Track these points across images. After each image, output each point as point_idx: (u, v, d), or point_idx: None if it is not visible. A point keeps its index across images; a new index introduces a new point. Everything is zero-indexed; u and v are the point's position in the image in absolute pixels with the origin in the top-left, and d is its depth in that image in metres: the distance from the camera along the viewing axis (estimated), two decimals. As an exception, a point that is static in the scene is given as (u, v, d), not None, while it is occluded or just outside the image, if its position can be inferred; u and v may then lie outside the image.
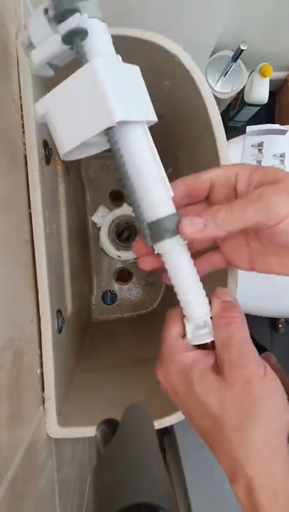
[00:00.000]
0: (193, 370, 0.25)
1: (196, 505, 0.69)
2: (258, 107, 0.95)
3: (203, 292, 0.28)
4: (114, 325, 0.79)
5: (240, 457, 0.23)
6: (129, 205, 0.69)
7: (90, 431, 0.40)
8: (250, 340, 0.25)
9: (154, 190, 0.26)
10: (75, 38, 0.23)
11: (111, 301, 0.81)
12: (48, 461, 0.40)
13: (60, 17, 0.23)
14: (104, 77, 0.23)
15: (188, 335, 0.27)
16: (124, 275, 0.82)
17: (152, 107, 0.26)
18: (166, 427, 0.40)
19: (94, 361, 0.60)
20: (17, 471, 0.31)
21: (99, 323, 0.80)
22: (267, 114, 1.08)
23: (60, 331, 0.46)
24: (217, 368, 0.25)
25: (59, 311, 0.46)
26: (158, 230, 0.26)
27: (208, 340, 0.27)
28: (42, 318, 0.39)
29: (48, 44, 0.24)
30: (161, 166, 0.27)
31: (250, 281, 0.64)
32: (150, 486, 0.21)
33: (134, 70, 0.26)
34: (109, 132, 0.24)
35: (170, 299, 0.79)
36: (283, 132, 0.74)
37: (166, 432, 0.93)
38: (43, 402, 0.40)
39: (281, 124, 0.75)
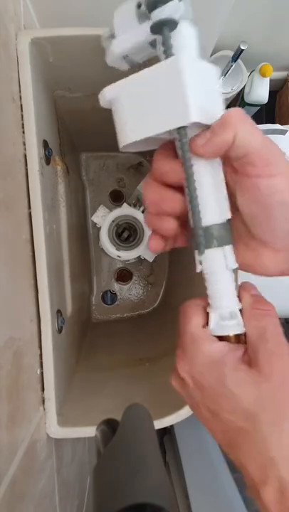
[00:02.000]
0: (224, 362, 0.24)
1: (196, 505, 0.69)
2: (258, 107, 0.95)
3: (234, 284, 0.27)
4: (114, 325, 0.79)
5: (275, 455, 0.21)
6: (129, 205, 0.69)
7: (90, 431, 0.40)
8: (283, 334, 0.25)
9: (216, 197, 0.25)
10: (164, 27, 0.23)
11: (111, 301, 0.81)
12: (48, 461, 0.40)
13: (152, 5, 0.23)
14: (188, 74, 0.22)
15: (212, 325, 0.26)
16: (124, 275, 0.82)
17: (221, 111, 0.24)
18: (166, 427, 0.40)
19: (94, 361, 0.60)
20: (17, 471, 0.31)
21: (99, 323, 0.80)
22: (267, 114, 1.08)
23: (60, 331, 0.46)
24: (247, 362, 0.24)
25: (59, 311, 0.46)
26: (210, 237, 0.25)
27: (238, 332, 0.25)
28: (42, 318, 0.39)
29: (132, 35, 0.24)
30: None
31: (250, 281, 0.64)
32: (150, 486, 0.21)
33: (214, 70, 0.25)
34: (181, 131, 0.23)
35: (170, 298, 0.79)
36: (283, 132, 0.74)
37: (166, 432, 0.93)
38: (43, 402, 0.40)
39: (281, 124, 0.75)
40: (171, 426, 0.88)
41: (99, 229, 0.69)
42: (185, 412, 0.40)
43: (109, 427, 0.26)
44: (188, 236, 0.27)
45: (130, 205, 0.69)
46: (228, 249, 0.25)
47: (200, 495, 0.71)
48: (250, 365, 0.24)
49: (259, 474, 0.21)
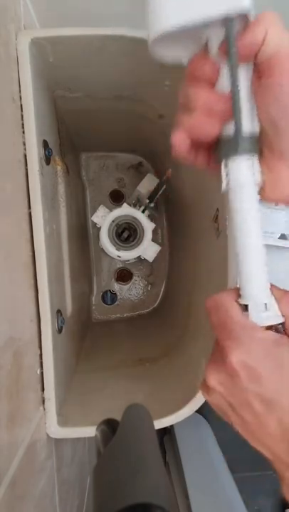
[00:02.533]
0: (282, 346, 0.23)
1: (196, 505, 0.69)
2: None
3: (266, 275, 0.26)
4: (114, 325, 0.79)
5: None
6: (129, 205, 0.69)
7: (90, 431, 0.40)
8: None
9: (250, 106, 0.24)
10: None
11: (111, 301, 0.81)
12: (48, 461, 0.40)
13: None
14: None
15: (253, 317, 0.25)
16: (124, 275, 0.82)
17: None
18: (166, 427, 0.40)
19: (94, 361, 0.60)
20: (17, 471, 0.31)
21: (99, 323, 0.80)
22: None
23: (60, 331, 0.46)
24: None
25: (59, 311, 0.46)
26: (242, 143, 0.24)
27: (279, 322, 0.25)
28: (42, 318, 0.39)
29: None
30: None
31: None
32: (150, 486, 0.21)
33: None
34: (229, 22, 0.21)
35: (170, 299, 0.79)
36: None
37: (166, 432, 0.93)
38: (43, 402, 0.40)
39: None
40: (171, 426, 0.88)
41: (99, 229, 0.69)
42: (185, 412, 0.40)
43: (109, 427, 0.26)
44: (216, 146, 0.26)
45: (130, 205, 0.69)
46: (256, 160, 0.25)
47: (200, 495, 0.71)
48: None
49: None
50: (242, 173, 0.25)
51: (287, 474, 0.22)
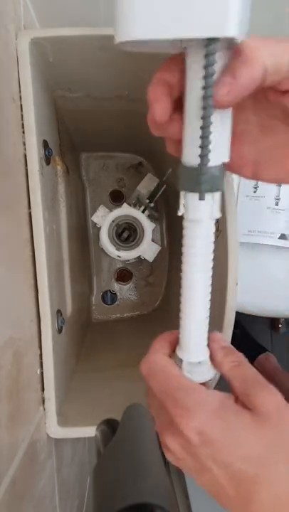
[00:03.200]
0: (226, 408, 0.23)
1: (196, 505, 0.69)
2: None
3: (206, 331, 0.26)
4: (114, 325, 0.79)
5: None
6: (129, 205, 0.69)
7: (90, 431, 0.40)
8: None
9: (222, 136, 0.22)
10: None
11: (111, 301, 0.81)
12: (48, 461, 0.40)
13: None
14: None
15: (186, 372, 0.26)
16: (124, 275, 0.82)
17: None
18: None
19: (94, 361, 0.60)
20: (17, 471, 0.31)
21: (99, 323, 0.80)
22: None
23: (60, 331, 0.46)
24: (240, 405, 0.24)
25: (59, 311, 0.46)
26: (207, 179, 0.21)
27: (210, 377, 0.26)
28: (42, 318, 0.39)
29: None
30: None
31: (250, 281, 0.64)
32: (150, 485, 0.21)
33: None
34: (211, 46, 0.18)
35: (170, 299, 0.79)
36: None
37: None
38: (43, 402, 0.40)
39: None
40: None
41: (99, 229, 0.69)
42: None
43: (109, 427, 0.26)
44: (178, 174, 0.23)
45: (130, 205, 0.69)
46: (217, 196, 0.23)
47: (200, 495, 0.71)
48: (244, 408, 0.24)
49: None
50: (200, 210, 0.23)
51: None
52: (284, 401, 0.23)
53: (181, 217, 0.25)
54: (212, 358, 0.27)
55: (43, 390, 0.40)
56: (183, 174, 0.22)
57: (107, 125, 0.64)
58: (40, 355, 0.40)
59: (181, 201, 0.23)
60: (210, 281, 0.26)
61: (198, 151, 0.21)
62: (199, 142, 0.20)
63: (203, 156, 0.20)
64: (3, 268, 0.31)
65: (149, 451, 0.24)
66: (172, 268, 0.81)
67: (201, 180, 0.21)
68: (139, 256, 0.70)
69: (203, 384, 0.26)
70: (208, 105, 0.19)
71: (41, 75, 0.42)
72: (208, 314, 0.26)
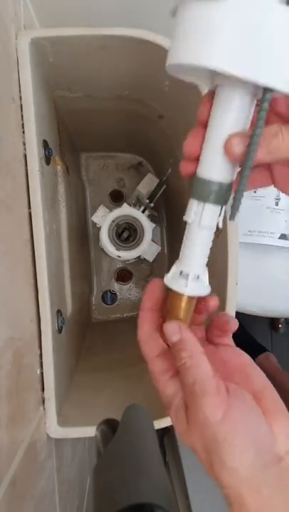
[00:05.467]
0: (173, 404, 0.25)
1: (196, 505, 0.69)
2: (258, 107, 0.96)
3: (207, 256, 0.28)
4: (114, 325, 0.79)
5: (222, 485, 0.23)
6: (129, 205, 0.69)
7: (90, 431, 0.40)
8: (203, 376, 0.24)
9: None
10: None
11: (111, 301, 0.81)
12: (48, 461, 0.40)
13: None
14: None
15: (169, 274, 0.27)
16: (124, 275, 0.82)
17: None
18: (166, 427, 0.40)
19: (94, 361, 0.60)
20: (17, 471, 0.31)
21: (99, 323, 0.80)
22: (267, 114, 1.08)
23: (60, 331, 0.46)
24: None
25: (59, 311, 0.46)
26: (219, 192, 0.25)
27: (206, 294, 0.27)
28: (42, 318, 0.39)
29: None
30: None
31: (250, 281, 0.64)
32: (150, 485, 0.21)
33: None
34: (267, 94, 0.20)
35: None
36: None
37: (166, 432, 0.93)
38: (43, 402, 0.40)
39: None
40: (171, 426, 0.88)
41: (99, 229, 0.69)
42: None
43: (109, 427, 0.26)
44: (199, 184, 0.26)
45: (130, 205, 0.69)
46: (224, 208, 0.26)
47: (200, 495, 0.71)
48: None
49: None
50: (210, 219, 0.26)
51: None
52: (216, 415, 0.23)
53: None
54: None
55: (43, 390, 0.40)
56: (201, 186, 0.25)
57: (107, 125, 0.64)
58: (40, 355, 0.40)
59: (192, 208, 0.26)
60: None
61: (228, 174, 0.24)
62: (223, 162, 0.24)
63: (241, 187, 0.23)
64: (3, 268, 0.31)
65: (149, 451, 0.24)
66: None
67: (236, 205, 0.24)
68: (139, 256, 0.70)
69: (191, 300, 0.27)
70: (253, 153, 0.21)
71: (41, 75, 0.42)
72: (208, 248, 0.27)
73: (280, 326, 1.28)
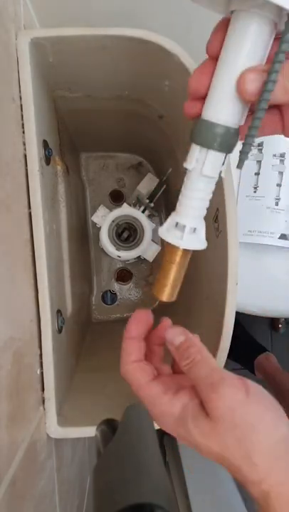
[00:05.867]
0: (186, 419, 0.25)
1: (196, 505, 0.69)
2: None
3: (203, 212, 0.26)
4: (114, 325, 0.79)
5: (254, 479, 0.23)
6: (129, 205, 0.69)
7: (90, 431, 0.39)
8: (215, 366, 0.25)
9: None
10: None
11: (111, 301, 0.81)
12: (48, 461, 0.40)
13: None
14: None
15: (164, 225, 0.26)
16: (124, 275, 0.82)
17: None
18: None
19: (94, 361, 0.60)
20: (17, 471, 0.31)
21: (99, 323, 0.80)
22: (267, 114, 1.08)
23: (60, 331, 0.46)
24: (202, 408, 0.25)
25: (59, 311, 0.46)
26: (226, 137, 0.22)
27: (202, 248, 0.26)
28: (42, 318, 0.39)
29: None
30: None
31: (250, 281, 0.64)
32: (150, 485, 0.21)
33: None
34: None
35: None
36: (283, 132, 0.74)
37: (166, 432, 0.93)
38: (43, 402, 0.40)
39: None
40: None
41: (99, 229, 0.69)
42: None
43: (109, 427, 0.26)
44: (203, 128, 0.23)
45: (130, 205, 0.69)
46: (228, 157, 0.24)
47: (200, 495, 0.71)
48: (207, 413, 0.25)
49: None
50: (213, 168, 0.24)
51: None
52: (241, 399, 0.23)
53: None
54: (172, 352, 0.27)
55: (43, 390, 0.40)
56: (206, 129, 0.23)
57: (107, 125, 0.64)
58: (40, 355, 0.40)
59: (194, 155, 0.24)
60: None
61: (237, 117, 0.22)
62: (232, 103, 0.21)
63: (254, 127, 0.21)
64: (3, 268, 0.31)
65: (149, 451, 0.24)
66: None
67: (246, 151, 0.22)
68: (139, 256, 0.70)
69: (186, 253, 0.26)
70: (268, 92, 0.19)
71: (41, 75, 0.42)
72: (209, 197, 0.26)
73: (280, 326, 1.28)
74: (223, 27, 0.21)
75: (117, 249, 0.68)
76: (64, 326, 0.48)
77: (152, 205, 0.70)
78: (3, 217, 0.32)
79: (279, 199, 0.63)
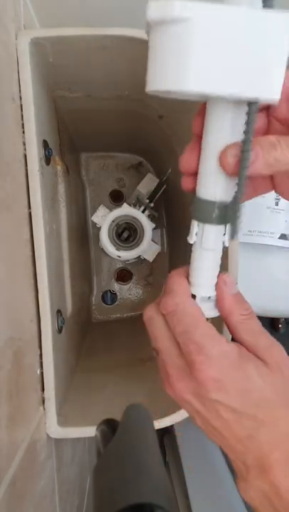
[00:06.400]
0: (247, 360, 0.25)
1: (196, 505, 0.69)
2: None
3: (218, 270, 0.27)
4: (114, 325, 0.79)
5: None
6: (129, 205, 0.69)
7: (90, 431, 0.40)
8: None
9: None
10: None
11: (111, 301, 0.81)
12: (48, 461, 0.40)
13: None
14: None
15: (203, 310, 0.26)
16: (124, 275, 0.82)
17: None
18: (166, 427, 0.40)
19: (94, 361, 0.60)
20: (17, 471, 0.31)
21: (99, 323, 0.80)
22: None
23: (60, 331, 0.46)
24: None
25: (59, 311, 0.46)
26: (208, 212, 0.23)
27: (216, 315, 0.27)
28: (42, 318, 0.39)
29: None
30: None
31: (250, 281, 0.64)
32: (150, 486, 0.21)
33: None
34: (253, 106, 0.19)
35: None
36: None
37: (166, 432, 0.93)
38: (43, 402, 0.40)
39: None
40: (171, 426, 0.88)
41: (99, 229, 0.69)
42: (185, 412, 0.40)
43: (109, 427, 0.26)
44: (196, 206, 0.25)
45: (130, 205, 0.69)
46: (228, 227, 0.24)
47: (200, 495, 0.71)
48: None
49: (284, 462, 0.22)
50: (213, 241, 0.25)
51: (243, 471, 0.24)
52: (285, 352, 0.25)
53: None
54: (219, 301, 0.26)
55: (43, 390, 0.40)
56: (200, 208, 0.24)
57: (107, 125, 0.64)
58: (40, 355, 0.40)
59: (194, 230, 0.25)
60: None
61: (228, 191, 0.23)
62: (218, 181, 0.23)
63: (238, 200, 0.22)
64: (3, 268, 0.31)
65: (149, 451, 0.24)
66: (172, 268, 0.80)
67: (235, 224, 0.23)
68: (139, 256, 0.70)
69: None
70: (246, 161, 0.20)
71: (41, 75, 0.42)
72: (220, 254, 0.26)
73: (280, 326, 1.28)
74: (202, 111, 0.23)
75: (117, 249, 0.68)
76: (64, 326, 0.48)
77: (152, 205, 0.70)
78: (3, 217, 0.32)
79: (279, 199, 0.63)
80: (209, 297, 0.26)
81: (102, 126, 0.65)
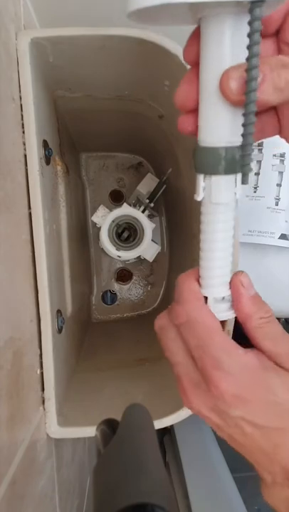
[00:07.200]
0: (269, 370, 0.23)
1: (196, 505, 0.69)
2: (258, 107, 0.95)
3: (230, 268, 0.24)
4: (114, 325, 0.79)
5: None
6: (129, 205, 0.69)
7: (90, 431, 0.40)
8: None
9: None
10: None
11: (111, 301, 0.81)
12: (48, 461, 0.40)
13: None
14: None
15: (212, 309, 0.24)
16: (124, 275, 0.82)
17: None
18: (166, 427, 0.40)
19: (94, 361, 0.60)
20: (17, 471, 0.31)
21: (99, 323, 0.80)
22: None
23: (60, 331, 0.46)
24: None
25: (59, 311, 0.46)
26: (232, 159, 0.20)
27: (232, 316, 0.25)
28: (42, 318, 0.39)
29: None
30: None
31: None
32: (150, 486, 0.21)
33: None
34: (257, 8, 0.16)
35: (170, 299, 0.79)
36: (283, 132, 0.74)
37: (166, 432, 0.93)
38: (43, 402, 0.40)
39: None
40: (171, 426, 0.88)
41: (99, 229, 0.69)
42: (185, 412, 0.40)
43: (109, 427, 0.26)
44: (199, 156, 0.22)
45: (130, 205, 0.69)
46: (239, 177, 0.21)
47: (200, 495, 0.71)
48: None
49: None
50: (224, 193, 0.21)
51: (269, 479, 0.23)
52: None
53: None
54: (236, 304, 0.24)
55: (43, 390, 0.40)
56: (203, 157, 0.21)
57: (107, 125, 0.64)
58: (40, 355, 0.40)
59: (200, 185, 0.22)
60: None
61: (236, 130, 0.19)
62: (225, 122, 0.19)
63: (248, 134, 0.18)
64: (3, 268, 0.31)
65: (149, 451, 0.24)
66: (172, 268, 0.81)
67: (246, 161, 0.19)
68: (139, 256, 0.70)
69: (223, 322, 0.24)
70: (253, 81, 0.17)
71: (41, 75, 0.42)
72: (232, 250, 0.24)
73: (280, 326, 1.28)
74: (196, 36, 0.20)
75: (117, 249, 0.68)
76: (64, 326, 0.48)
77: (152, 205, 0.70)
78: (3, 217, 0.32)
79: (279, 199, 0.63)
80: (223, 298, 0.24)
81: (102, 126, 0.65)
